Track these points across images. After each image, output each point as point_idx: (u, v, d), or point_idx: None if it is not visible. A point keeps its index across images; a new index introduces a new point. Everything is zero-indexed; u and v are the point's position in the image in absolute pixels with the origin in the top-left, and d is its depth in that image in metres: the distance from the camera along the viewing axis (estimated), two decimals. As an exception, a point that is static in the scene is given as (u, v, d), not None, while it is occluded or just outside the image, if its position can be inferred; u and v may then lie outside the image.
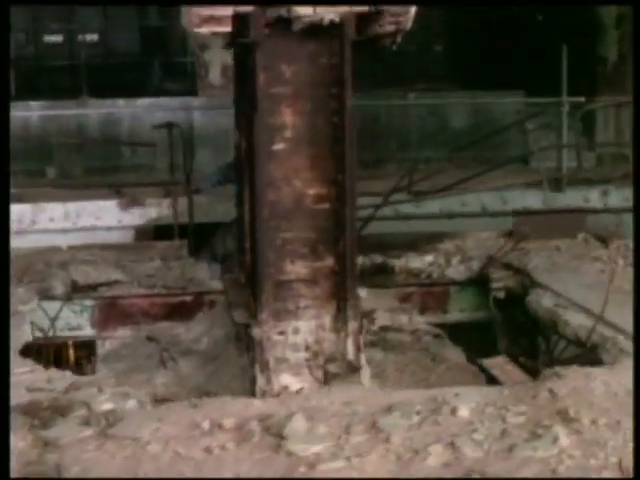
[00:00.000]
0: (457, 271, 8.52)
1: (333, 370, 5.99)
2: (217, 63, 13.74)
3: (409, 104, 14.37)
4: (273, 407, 4.93)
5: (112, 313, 8.18)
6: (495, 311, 8.09)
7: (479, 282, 8.37)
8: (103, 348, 8.00)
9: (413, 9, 6.23)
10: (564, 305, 7.01)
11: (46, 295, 8.00)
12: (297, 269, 6.33)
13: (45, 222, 10.91)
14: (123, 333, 8.07)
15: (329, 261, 6.33)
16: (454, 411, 4.67)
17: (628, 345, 5.96)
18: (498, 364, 6.71)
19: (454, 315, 8.39)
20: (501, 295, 8.07)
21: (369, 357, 7.47)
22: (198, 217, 9.81)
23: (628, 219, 9.24)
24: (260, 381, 6.24)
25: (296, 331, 6.34)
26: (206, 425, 4.62)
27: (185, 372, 7.35)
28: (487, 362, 6.80)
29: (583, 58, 13.62)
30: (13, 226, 10.85)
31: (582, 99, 12.48)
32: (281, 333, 6.33)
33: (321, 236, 6.30)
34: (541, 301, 7.34)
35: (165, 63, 15.98)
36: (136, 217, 11.00)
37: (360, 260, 8.83)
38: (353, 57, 6.19)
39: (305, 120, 6.21)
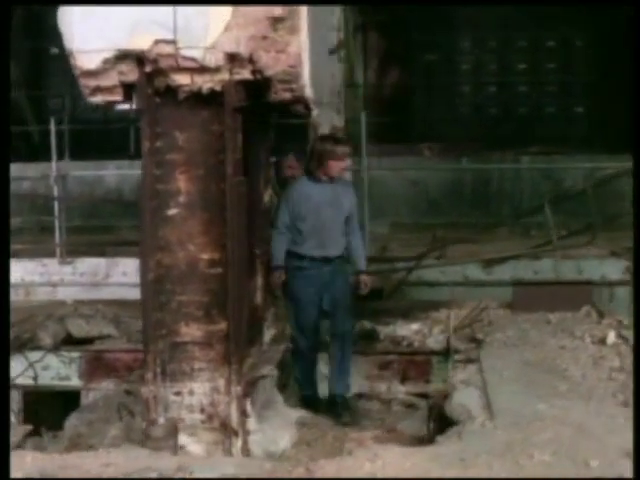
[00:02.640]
0: (436, 340, 8.25)
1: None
2: (326, 123, 13.90)
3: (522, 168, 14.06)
4: (38, 462, 5.04)
5: (98, 366, 8.56)
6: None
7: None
8: (87, 399, 8.37)
9: (305, 77, 6.25)
10: (468, 382, 6.65)
11: (35, 346, 8.48)
12: (192, 331, 6.43)
13: (118, 276, 11.48)
14: (107, 385, 8.42)
15: (223, 325, 6.39)
16: (183, 481, 4.63)
17: (471, 429, 5.56)
18: (360, 438, 6.47)
19: (436, 385, 8.12)
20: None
21: (317, 421, 7.44)
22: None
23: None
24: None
25: (191, 392, 6.44)
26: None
27: (137, 426, 7.57)
28: (352, 435, 6.57)
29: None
30: (87, 279, 11.56)
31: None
32: (177, 394, 6.45)
33: (214, 300, 6.38)
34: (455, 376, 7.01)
35: (281, 124, 16.31)
36: (204, 273, 11.34)
37: (350, 326, 8.77)
38: (240, 124, 6.27)
39: (198, 186, 6.34)
